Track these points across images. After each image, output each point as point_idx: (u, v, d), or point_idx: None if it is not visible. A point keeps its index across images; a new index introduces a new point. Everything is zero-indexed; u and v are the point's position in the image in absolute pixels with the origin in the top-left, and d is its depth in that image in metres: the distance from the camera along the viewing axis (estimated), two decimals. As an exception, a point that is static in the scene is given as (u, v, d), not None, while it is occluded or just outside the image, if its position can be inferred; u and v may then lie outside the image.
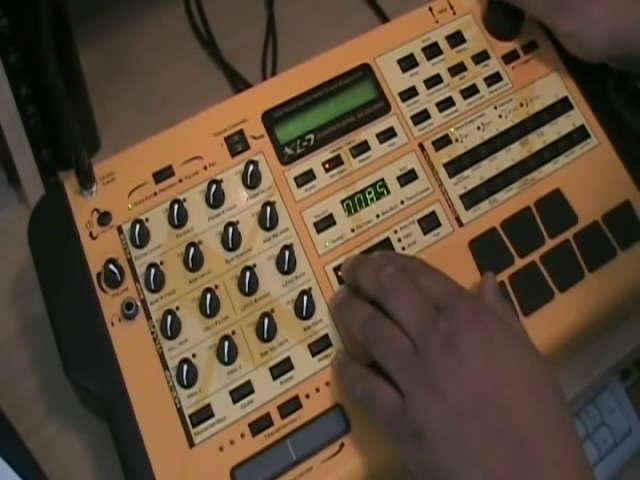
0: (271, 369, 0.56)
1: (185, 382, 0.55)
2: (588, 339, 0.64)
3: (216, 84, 0.78)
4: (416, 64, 0.65)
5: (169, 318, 0.55)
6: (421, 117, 0.63)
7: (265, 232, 0.59)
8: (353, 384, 0.53)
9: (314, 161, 0.61)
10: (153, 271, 0.56)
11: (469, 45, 0.66)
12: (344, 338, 0.57)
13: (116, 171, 0.60)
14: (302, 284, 0.58)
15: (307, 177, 0.61)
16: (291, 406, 0.55)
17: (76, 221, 0.58)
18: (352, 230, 0.60)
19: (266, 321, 0.56)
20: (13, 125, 0.62)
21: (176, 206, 0.58)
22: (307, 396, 0.55)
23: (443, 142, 0.63)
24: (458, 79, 0.65)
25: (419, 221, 0.60)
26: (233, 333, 0.56)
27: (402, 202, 0.61)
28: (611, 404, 0.91)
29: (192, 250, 0.57)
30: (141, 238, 0.57)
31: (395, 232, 0.60)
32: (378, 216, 0.60)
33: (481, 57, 0.66)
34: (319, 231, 0.59)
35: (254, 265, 0.58)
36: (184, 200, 0.59)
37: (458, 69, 0.65)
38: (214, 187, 0.59)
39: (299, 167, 0.61)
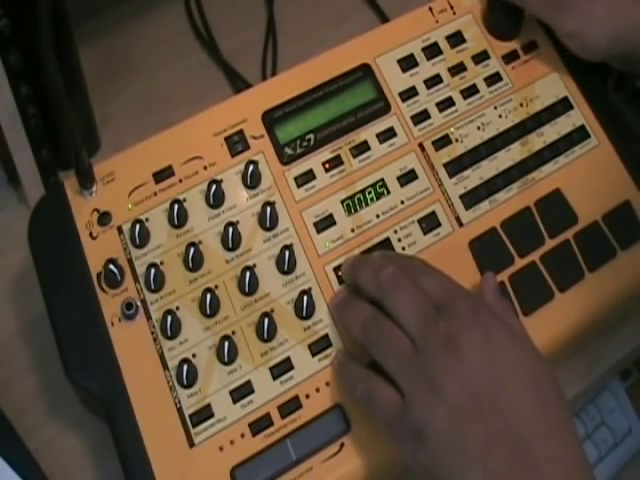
0: (271, 369, 0.56)
1: (185, 382, 0.55)
2: (588, 339, 0.64)
3: (216, 84, 0.78)
4: (416, 64, 0.65)
5: (169, 318, 0.55)
6: (421, 117, 0.63)
7: (265, 232, 0.59)
8: (353, 384, 0.53)
9: (314, 161, 0.61)
10: (153, 271, 0.56)
11: (469, 45, 0.66)
12: (344, 338, 0.57)
13: (116, 171, 0.60)
14: (302, 284, 0.58)
15: (307, 177, 0.61)
16: (291, 406, 0.55)
17: (76, 221, 0.58)
18: (352, 230, 0.60)
19: (266, 321, 0.56)
20: (13, 125, 0.62)
21: (176, 206, 0.58)
22: (307, 396, 0.55)
23: (443, 142, 0.63)
24: (458, 79, 0.65)
25: (419, 221, 0.60)
26: (233, 333, 0.56)
27: (402, 202, 0.61)
28: (611, 404, 0.91)
29: (192, 250, 0.57)
30: (141, 238, 0.57)
31: (395, 232, 0.60)
32: (378, 216, 0.60)
33: (481, 57, 0.66)
34: (319, 231, 0.59)
35: (254, 265, 0.58)
36: (184, 200, 0.59)
37: (458, 69, 0.65)
38: (214, 187, 0.59)
39: (299, 167, 0.61)
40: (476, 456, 0.47)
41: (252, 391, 0.55)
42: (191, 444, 0.54)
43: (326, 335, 0.57)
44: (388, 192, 0.61)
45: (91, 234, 0.58)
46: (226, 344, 0.55)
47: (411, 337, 0.50)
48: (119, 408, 0.54)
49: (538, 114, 0.64)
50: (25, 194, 0.68)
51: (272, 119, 0.62)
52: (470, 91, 0.64)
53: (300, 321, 0.57)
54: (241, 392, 0.55)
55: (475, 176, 0.62)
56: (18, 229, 0.61)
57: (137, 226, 0.57)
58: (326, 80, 0.63)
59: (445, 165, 0.62)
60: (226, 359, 0.55)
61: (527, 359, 0.50)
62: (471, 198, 0.62)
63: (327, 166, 0.61)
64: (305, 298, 0.57)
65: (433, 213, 0.61)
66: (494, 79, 0.65)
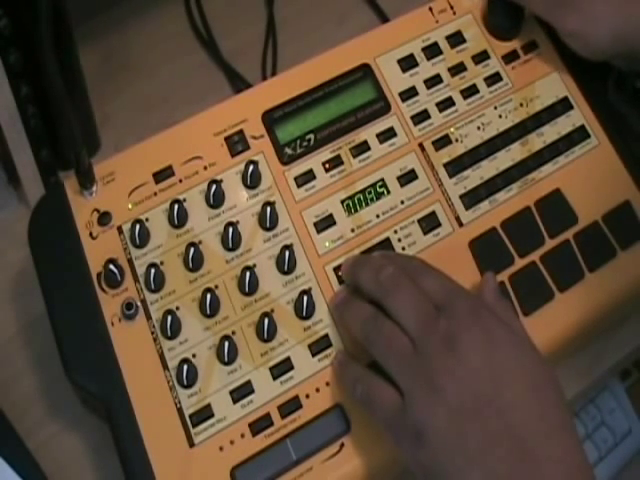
0: (271, 369, 0.56)
1: (185, 382, 0.55)
2: (588, 339, 0.64)
3: (216, 84, 0.78)
4: (416, 64, 0.65)
5: (169, 318, 0.55)
6: (421, 117, 0.63)
7: (265, 232, 0.59)
8: (353, 384, 0.53)
9: (314, 161, 0.61)
10: (153, 271, 0.56)
11: (469, 45, 0.66)
12: (344, 338, 0.57)
13: (116, 171, 0.60)
14: (302, 284, 0.58)
15: (307, 177, 0.61)
16: (291, 406, 0.55)
17: (76, 221, 0.58)
18: (352, 230, 0.60)
19: (266, 321, 0.56)
20: (13, 125, 0.62)
21: (176, 206, 0.58)
22: (307, 396, 0.55)
23: (443, 142, 0.63)
24: (458, 79, 0.65)
25: (419, 221, 0.60)
26: (233, 333, 0.56)
27: (402, 202, 0.61)
28: (611, 404, 0.91)
29: (192, 250, 0.57)
30: (141, 238, 0.57)
31: (395, 232, 0.60)
32: (378, 216, 0.60)
33: (481, 57, 0.66)
34: (319, 231, 0.59)
35: (254, 265, 0.58)
36: (184, 200, 0.59)
37: (458, 69, 0.65)
38: (214, 187, 0.59)
39: (299, 167, 0.61)
40: (476, 456, 0.46)
41: (252, 391, 0.55)
42: (191, 444, 0.54)
43: (326, 335, 0.57)
44: (388, 192, 0.61)
45: (91, 234, 0.58)
46: (226, 344, 0.55)
47: (411, 337, 0.50)
48: (119, 408, 0.54)
49: (538, 114, 0.64)
50: (25, 194, 0.68)
51: (272, 119, 0.62)
52: (470, 91, 0.64)
53: (300, 321, 0.57)
54: (241, 392, 0.55)
55: (475, 176, 0.62)
56: (18, 229, 0.61)
57: (137, 226, 0.57)
58: (326, 80, 0.63)
59: (445, 165, 0.62)
60: (226, 359, 0.55)
61: (527, 359, 0.50)
62: (471, 198, 0.62)
63: (327, 166, 0.61)
64: (305, 298, 0.57)
65: (433, 213, 0.61)
66: (494, 79, 0.65)
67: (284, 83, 0.64)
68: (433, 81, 0.64)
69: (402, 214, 0.61)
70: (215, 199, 0.59)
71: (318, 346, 0.57)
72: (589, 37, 0.61)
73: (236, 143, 0.61)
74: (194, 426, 0.54)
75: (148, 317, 0.56)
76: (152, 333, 0.56)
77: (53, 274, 0.57)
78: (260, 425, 0.54)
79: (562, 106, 0.65)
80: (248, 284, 0.57)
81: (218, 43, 0.79)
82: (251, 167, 0.59)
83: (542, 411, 0.48)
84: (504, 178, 0.62)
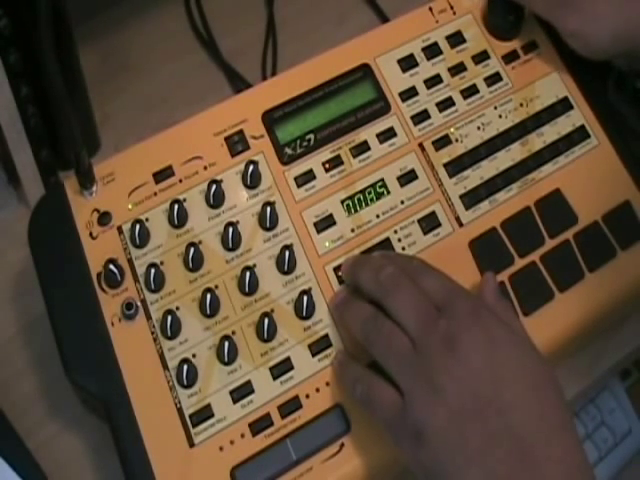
0: (271, 369, 0.56)
1: (185, 382, 0.55)
2: (588, 339, 0.64)
3: (216, 84, 0.78)
4: (416, 64, 0.65)
5: (169, 318, 0.55)
6: (421, 117, 0.63)
7: (265, 232, 0.59)
8: (353, 384, 0.53)
9: (314, 161, 0.61)
10: (153, 271, 0.56)
11: (469, 45, 0.66)
12: (344, 338, 0.57)
13: (116, 171, 0.60)
14: (302, 284, 0.58)
15: (307, 177, 0.61)
16: (291, 406, 0.55)
17: (76, 221, 0.58)
18: (352, 230, 0.60)
19: (266, 321, 0.56)
20: (13, 125, 0.62)
21: (176, 206, 0.58)
22: (307, 396, 0.55)
23: (443, 142, 0.63)
24: (458, 79, 0.65)
25: (419, 221, 0.60)
26: (233, 333, 0.56)
27: (402, 202, 0.61)
28: (611, 404, 0.91)
29: (192, 250, 0.57)
30: (141, 238, 0.57)
31: (395, 232, 0.60)
32: (378, 216, 0.60)
33: (481, 57, 0.65)
34: (319, 231, 0.59)
35: (254, 265, 0.58)
36: (184, 200, 0.59)
37: (458, 69, 0.65)
38: (214, 187, 0.59)
39: (299, 167, 0.61)
40: (476, 456, 0.46)
41: (252, 391, 0.55)
42: (191, 444, 0.54)
43: (326, 335, 0.57)
44: (388, 192, 0.61)
45: (91, 234, 0.58)
46: (226, 344, 0.55)
47: (411, 337, 0.50)
48: (119, 408, 0.54)
49: (538, 114, 0.64)
50: (25, 194, 0.68)
51: (272, 119, 0.62)
52: (470, 91, 0.64)
53: (300, 321, 0.57)
54: (241, 392, 0.55)
55: (475, 176, 0.62)
56: (18, 229, 0.61)
57: (137, 226, 0.57)
58: (326, 80, 0.63)
59: (445, 165, 0.62)
60: (226, 359, 0.55)
61: (527, 359, 0.50)
62: (471, 198, 0.62)
63: (327, 166, 0.61)
64: (305, 298, 0.57)
65: (433, 213, 0.61)
66: (494, 79, 0.65)
67: (284, 83, 0.64)
68: (433, 81, 0.64)
69: (402, 214, 0.61)
70: (215, 199, 0.59)
71: (318, 346, 0.57)
72: (590, 37, 0.61)
73: (236, 143, 0.61)
74: (194, 426, 0.54)
75: (148, 317, 0.56)
76: (152, 333, 0.56)
77: (53, 274, 0.57)
78: (260, 425, 0.54)
79: (562, 106, 0.65)
80: (248, 284, 0.57)
81: (218, 43, 0.79)
82: (251, 167, 0.59)
83: (542, 411, 0.48)
84: (504, 178, 0.62)
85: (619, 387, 0.93)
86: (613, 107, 0.66)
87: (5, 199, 0.70)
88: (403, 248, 0.60)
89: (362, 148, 0.62)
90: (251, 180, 0.60)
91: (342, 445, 0.55)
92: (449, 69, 0.65)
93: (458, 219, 0.61)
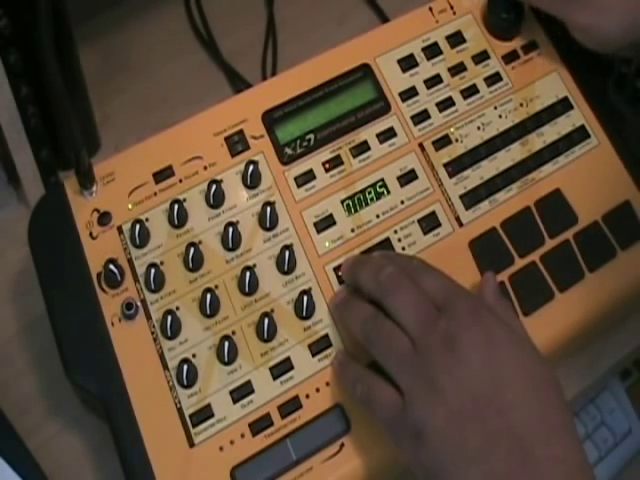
0: (271, 369, 0.56)
1: (185, 382, 0.55)
2: (588, 339, 0.64)
3: (216, 84, 0.78)
4: (416, 64, 0.65)
5: (169, 318, 0.55)
6: (421, 117, 0.63)
7: (265, 232, 0.59)
8: (353, 384, 0.53)
9: (314, 161, 0.61)
10: (153, 271, 0.56)
11: (469, 45, 0.66)
12: (344, 338, 0.57)
13: (116, 171, 0.60)
14: (302, 284, 0.58)
15: (307, 177, 0.61)
16: (291, 406, 0.55)
17: (76, 221, 0.58)
18: (352, 230, 0.60)
19: (266, 321, 0.56)
20: (13, 125, 0.62)
21: (176, 206, 0.58)
22: (307, 396, 0.55)
23: (443, 142, 0.63)
24: (458, 79, 0.65)
25: (419, 221, 0.60)
26: (233, 333, 0.56)
27: (402, 202, 0.61)
28: (611, 404, 0.91)
29: (192, 250, 0.57)
30: (141, 238, 0.57)
31: (395, 232, 0.60)
32: (378, 216, 0.60)
33: (481, 57, 0.66)
34: (319, 231, 0.59)
35: (254, 265, 0.58)
36: (184, 200, 0.59)
37: (458, 69, 0.65)
38: (214, 187, 0.59)
39: (299, 167, 0.61)
40: (476, 456, 0.46)
41: (252, 391, 0.55)
42: (191, 444, 0.54)
43: (326, 335, 0.57)
44: (388, 192, 0.61)
45: (91, 234, 0.58)
46: (226, 344, 0.55)
47: (411, 337, 0.50)
48: (119, 408, 0.54)
49: (538, 114, 0.64)
50: (25, 194, 0.68)
51: (272, 119, 0.62)
52: (470, 91, 0.64)
53: (300, 321, 0.57)
54: (241, 392, 0.55)
55: (475, 176, 0.62)
56: (18, 229, 0.61)
57: (137, 226, 0.57)
58: (326, 80, 0.63)
59: (445, 165, 0.62)
60: (226, 359, 0.55)
61: (527, 359, 0.50)
62: (471, 198, 0.62)
63: (327, 166, 0.61)
64: (305, 298, 0.57)
65: (433, 213, 0.61)
66: (494, 79, 0.65)
67: (284, 83, 0.64)
68: (433, 81, 0.64)
69: (402, 214, 0.61)
70: (215, 199, 0.59)
71: (318, 346, 0.57)
72: (601, 30, 0.61)
73: (236, 143, 0.61)
74: (194, 426, 0.54)
75: (148, 317, 0.56)
76: (152, 333, 0.56)
77: (53, 274, 0.57)
78: (260, 425, 0.54)
79: (562, 106, 0.65)
80: (248, 284, 0.57)
81: (218, 43, 0.79)
82: (251, 167, 0.59)
83: (542, 411, 0.48)
84: (504, 178, 0.62)
85: (619, 387, 0.93)
86: (613, 107, 0.66)
87: (5, 199, 0.70)
88: (403, 248, 0.60)
89: (362, 148, 0.62)
90: (251, 180, 0.60)
91: (342, 445, 0.55)
92: (449, 69, 0.65)
93: (458, 219, 0.61)
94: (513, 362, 0.49)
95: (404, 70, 0.64)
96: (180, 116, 0.62)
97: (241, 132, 0.61)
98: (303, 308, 0.57)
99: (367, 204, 0.60)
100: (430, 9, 0.67)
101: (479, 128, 0.64)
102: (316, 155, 0.61)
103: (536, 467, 0.46)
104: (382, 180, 0.61)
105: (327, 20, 0.81)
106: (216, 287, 0.57)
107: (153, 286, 0.57)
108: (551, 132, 0.64)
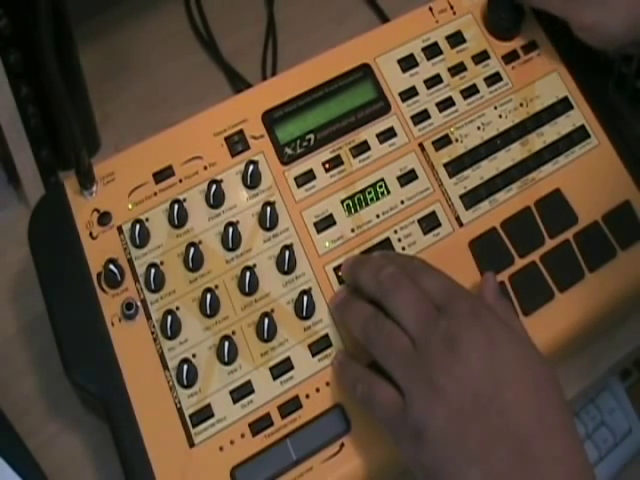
0: (271, 369, 0.56)
1: (185, 382, 0.55)
2: (588, 339, 0.64)
3: (216, 84, 0.78)
4: (416, 64, 0.65)
5: (169, 318, 0.55)
6: (421, 117, 0.63)
7: (265, 232, 0.59)
8: (353, 384, 0.53)
9: (314, 161, 0.61)
10: (153, 271, 0.56)
11: (469, 45, 0.66)
12: (344, 338, 0.57)
13: (116, 171, 0.60)
14: (302, 284, 0.58)
15: (307, 177, 0.61)
16: (291, 406, 0.55)
17: (76, 221, 0.58)
18: (352, 230, 0.60)
19: (266, 321, 0.56)
20: (13, 125, 0.62)
21: (176, 206, 0.58)
22: (307, 396, 0.55)
23: (443, 142, 0.63)
24: (458, 79, 0.65)
25: (419, 221, 0.60)
26: (233, 333, 0.56)
27: (402, 202, 0.61)
28: (611, 404, 0.92)
29: (192, 250, 0.57)
30: (141, 238, 0.58)
31: (395, 232, 0.60)
32: (378, 216, 0.60)
33: (481, 57, 0.66)
34: (319, 231, 0.59)
35: (254, 265, 0.58)
36: (184, 200, 0.59)
37: (458, 69, 0.65)
38: (214, 187, 0.59)
39: (299, 167, 0.61)
40: (476, 456, 0.46)
41: (252, 391, 0.55)
42: (191, 444, 0.54)
43: (326, 335, 0.57)
44: (388, 192, 0.61)
45: (91, 234, 0.58)
46: (226, 344, 0.55)
47: (411, 337, 0.50)
48: (119, 408, 0.54)
49: (538, 114, 0.64)
50: (25, 194, 0.68)
51: (272, 119, 0.62)
52: (470, 91, 0.64)
53: (300, 321, 0.57)
54: (241, 392, 0.55)
55: (475, 176, 0.62)
56: (18, 229, 0.61)
57: (137, 226, 0.57)
58: (326, 80, 0.63)
59: (445, 165, 0.62)
60: (226, 359, 0.55)
61: (527, 359, 0.50)
62: (471, 198, 0.62)
63: (327, 166, 0.61)
64: (305, 298, 0.57)
65: (433, 213, 0.61)
66: (494, 79, 0.65)
67: (284, 83, 0.64)
68: (433, 81, 0.64)
69: (402, 214, 0.61)
70: (215, 199, 0.59)
71: (318, 346, 0.57)
72: (607, 28, 0.60)
73: (236, 143, 0.61)
74: (194, 426, 0.54)
75: (148, 317, 0.56)
76: (152, 333, 0.56)
77: (53, 274, 0.57)
78: (260, 425, 0.54)
79: (562, 106, 0.65)
80: (248, 284, 0.57)
81: (218, 43, 0.79)
82: (251, 167, 0.59)
83: (542, 411, 0.48)
84: (504, 178, 0.62)
85: (619, 387, 0.93)
86: (613, 107, 0.66)
87: (5, 199, 0.70)
88: (403, 248, 0.60)
89: (362, 148, 0.62)
90: (251, 180, 0.60)
91: (342, 445, 0.55)
92: (449, 69, 0.65)
93: (458, 219, 0.61)
94: (513, 362, 0.49)
95: (404, 70, 0.64)
96: (180, 116, 0.62)
97: (241, 132, 0.61)
98: (303, 308, 0.57)
99: (367, 204, 0.60)
100: (430, 9, 0.67)
101: (479, 128, 0.64)
102: (316, 155, 0.61)
103: (536, 467, 0.46)
104: (382, 180, 0.61)
105: (327, 20, 0.81)
106: (216, 287, 0.57)
107: (153, 286, 0.57)
108: (551, 132, 0.64)
